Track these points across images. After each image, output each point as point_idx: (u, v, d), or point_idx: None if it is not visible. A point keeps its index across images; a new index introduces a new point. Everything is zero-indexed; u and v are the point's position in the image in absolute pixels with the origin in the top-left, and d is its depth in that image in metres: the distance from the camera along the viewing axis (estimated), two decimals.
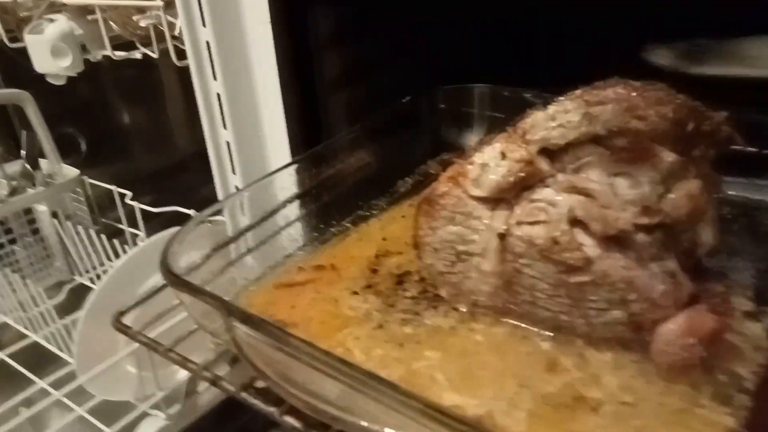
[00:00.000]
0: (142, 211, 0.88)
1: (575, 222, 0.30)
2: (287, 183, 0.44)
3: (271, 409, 0.32)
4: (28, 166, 0.86)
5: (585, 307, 0.30)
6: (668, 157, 0.30)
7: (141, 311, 0.42)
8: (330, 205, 0.45)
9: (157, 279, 0.66)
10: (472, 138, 0.53)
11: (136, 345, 0.61)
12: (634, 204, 0.30)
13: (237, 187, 0.54)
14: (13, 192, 0.88)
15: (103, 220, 0.99)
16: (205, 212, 0.39)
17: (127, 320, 0.40)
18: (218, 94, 0.51)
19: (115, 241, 0.91)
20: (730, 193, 0.41)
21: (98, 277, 0.92)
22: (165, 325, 0.42)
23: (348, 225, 0.45)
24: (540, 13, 0.62)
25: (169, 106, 1.12)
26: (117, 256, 0.90)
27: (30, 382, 0.74)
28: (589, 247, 0.29)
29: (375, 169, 0.49)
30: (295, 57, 0.50)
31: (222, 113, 0.52)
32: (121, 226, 0.93)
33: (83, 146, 1.12)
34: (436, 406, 0.21)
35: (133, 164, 1.17)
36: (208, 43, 0.49)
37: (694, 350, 0.28)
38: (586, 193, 0.30)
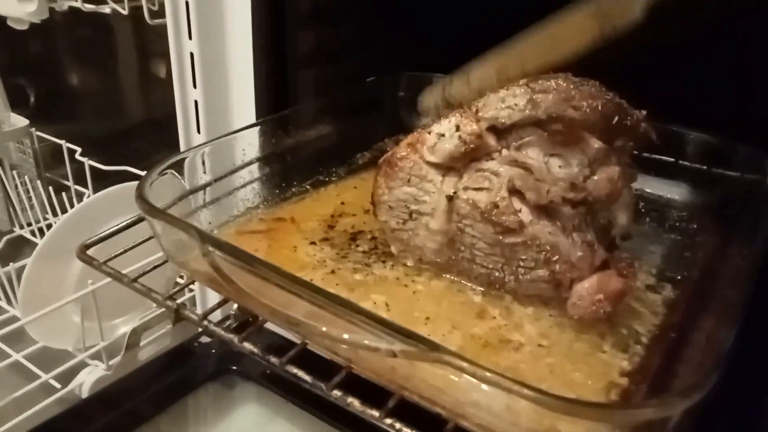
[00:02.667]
0: (92, 168, 0.88)
1: (513, 191, 0.34)
2: (251, 143, 0.47)
3: (231, 336, 0.35)
4: None
5: (515, 265, 0.35)
6: (595, 144, 0.35)
7: (102, 249, 0.43)
8: (291, 167, 0.48)
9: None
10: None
11: (81, 292, 0.63)
12: (563, 181, 0.35)
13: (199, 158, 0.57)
14: None
15: (49, 175, 0.97)
16: (172, 159, 0.41)
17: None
18: (191, 54, 0.53)
19: (62, 197, 0.90)
20: (646, 190, 0.48)
21: (40, 231, 0.91)
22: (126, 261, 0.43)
23: (308, 187, 0.48)
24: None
25: (124, 70, 1.11)
26: (63, 211, 0.90)
27: None
28: (524, 213, 0.34)
29: (336, 140, 0.53)
30: (271, 28, 0.53)
31: (193, 72, 0.54)
32: (67, 183, 0.92)
33: (32, 99, 1.10)
34: (364, 311, 0.26)
35: (84, 124, 1.15)
36: (187, 3, 0.51)
37: (601, 305, 0.33)
38: (525, 167, 0.35)
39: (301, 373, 0.33)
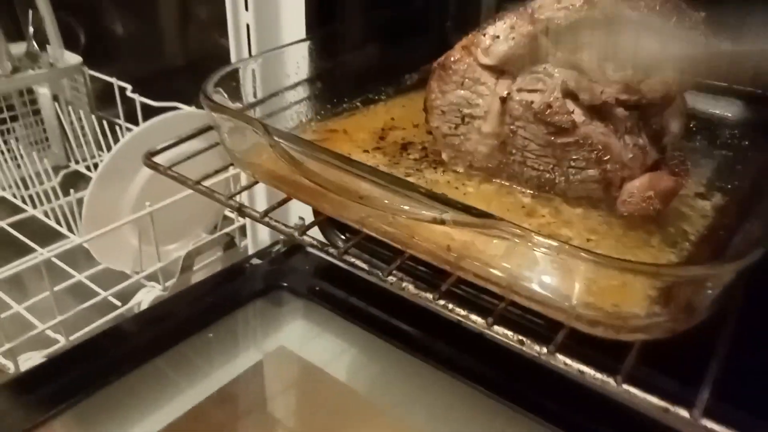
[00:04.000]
0: (142, 105, 0.91)
1: (567, 93, 0.35)
2: (303, 57, 0.48)
3: (290, 229, 0.37)
4: (35, 44, 0.87)
5: (566, 165, 0.36)
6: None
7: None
8: (341, 84, 0.49)
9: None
10: None
11: (139, 213, 0.66)
12: (617, 83, 0.35)
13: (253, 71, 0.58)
14: (16, 71, 0.89)
15: (100, 113, 1.00)
16: (230, 67, 0.42)
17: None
18: None
19: (111, 136, 0.93)
20: (698, 107, 0.47)
21: (95, 166, 0.95)
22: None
23: (358, 104, 0.49)
24: None
25: (165, 12, 1.12)
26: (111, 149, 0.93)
27: (31, 250, 0.78)
28: (576, 114, 0.35)
29: (384, 61, 0.54)
30: None
31: None
32: (118, 120, 0.96)
33: (82, 40, 1.13)
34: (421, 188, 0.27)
35: (131, 65, 1.17)
36: None
37: (652, 202, 0.33)
38: (579, 69, 0.35)
39: (358, 262, 0.35)
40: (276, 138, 0.32)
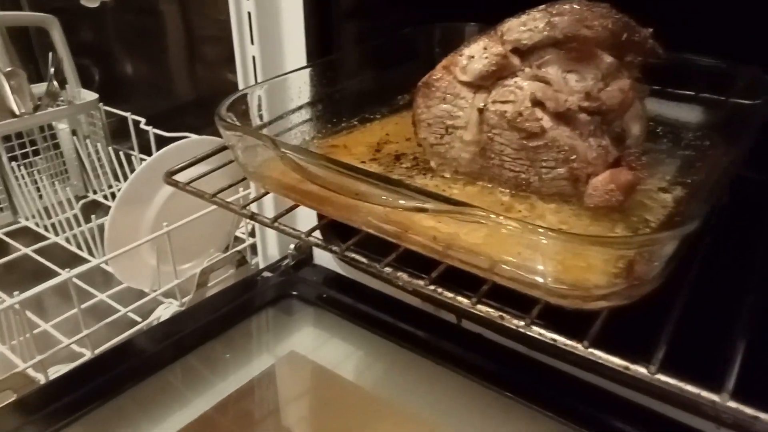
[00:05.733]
0: (155, 136, 0.97)
1: (536, 102, 0.40)
2: (305, 83, 0.53)
3: (297, 232, 0.42)
4: (56, 84, 0.94)
5: (538, 166, 0.40)
6: (607, 59, 0.41)
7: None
8: (340, 106, 0.55)
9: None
10: None
11: (157, 233, 0.71)
12: (579, 92, 0.40)
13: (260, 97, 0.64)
14: (37, 109, 0.95)
15: (115, 146, 1.07)
16: (241, 91, 0.48)
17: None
18: (249, 13, 0.60)
19: (127, 167, 0.99)
20: (663, 114, 0.52)
21: (111, 195, 1.01)
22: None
23: (355, 123, 0.54)
24: None
25: (175, 53, 1.20)
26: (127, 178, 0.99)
27: (54, 274, 0.83)
28: (545, 120, 0.40)
29: (378, 84, 0.59)
30: None
31: (251, 30, 0.61)
32: (132, 152, 1.01)
33: (97, 78, 1.20)
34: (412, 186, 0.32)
35: (142, 102, 1.24)
36: None
37: (613, 194, 0.38)
38: (545, 81, 0.40)
39: (357, 257, 0.40)
40: (283, 150, 0.37)
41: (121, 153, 0.96)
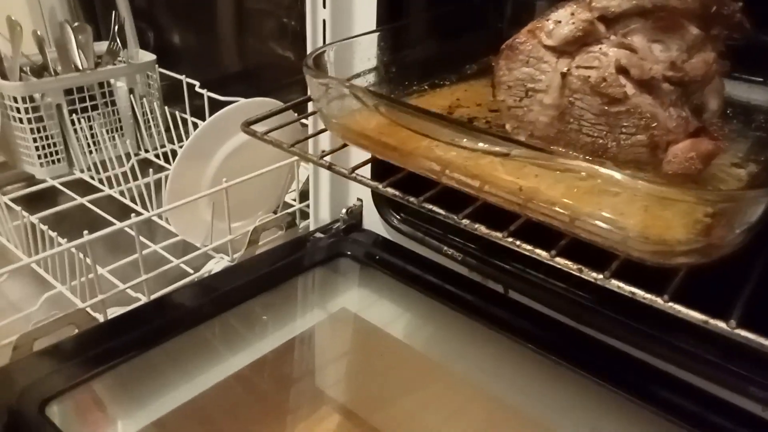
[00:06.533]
0: (210, 99, 0.99)
1: (620, 69, 0.41)
2: (378, 46, 0.55)
3: (375, 183, 0.43)
4: (118, 42, 0.96)
5: (618, 132, 0.41)
6: (693, 30, 0.41)
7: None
8: (411, 69, 0.56)
9: (241, 138, 0.77)
10: None
11: (216, 189, 0.73)
12: (664, 61, 0.41)
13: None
14: (98, 65, 0.98)
15: (168, 108, 1.09)
16: (319, 49, 0.49)
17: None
18: None
19: (180, 128, 1.01)
20: (734, 94, 0.53)
21: (164, 155, 1.03)
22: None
23: (426, 87, 0.55)
24: None
25: (223, 24, 1.22)
26: (179, 140, 1.02)
27: (109, 223, 0.85)
28: (628, 87, 0.40)
29: (447, 52, 0.60)
30: None
31: None
32: (185, 115, 1.04)
33: (152, 42, 1.22)
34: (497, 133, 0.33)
35: (189, 69, 1.25)
36: None
37: (693, 162, 0.39)
38: (630, 49, 0.41)
39: (435, 207, 0.41)
40: (377, 99, 0.38)
41: (176, 114, 0.99)
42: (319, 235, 0.72)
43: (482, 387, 0.57)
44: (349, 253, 0.68)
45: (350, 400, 0.55)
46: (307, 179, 0.79)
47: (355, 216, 0.74)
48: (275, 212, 0.87)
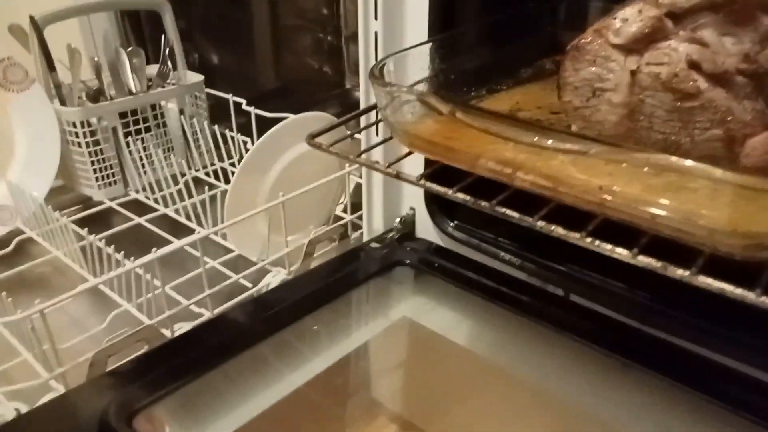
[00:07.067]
0: (257, 117, 1.01)
1: (692, 64, 0.40)
2: (432, 56, 0.55)
3: (445, 188, 0.43)
4: (169, 64, 0.99)
5: (692, 127, 0.41)
6: (766, 21, 0.40)
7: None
8: (468, 76, 0.56)
9: (301, 147, 0.78)
10: None
11: (273, 203, 0.74)
12: (737, 54, 0.40)
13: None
14: (149, 88, 1.01)
15: (215, 127, 1.11)
16: (382, 61, 0.50)
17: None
18: None
19: (229, 146, 1.04)
20: None
21: (214, 173, 1.06)
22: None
23: (483, 92, 0.56)
24: None
25: (260, 42, 1.25)
26: (229, 157, 1.04)
27: (163, 241, 0.88)
28: (701, 81, 0.40)
29: (502, 57, 0.60)
30: None
31: (376, 6, 0.63)
32: (232, 133, 1.06)
33: (197, 62, 1.26)
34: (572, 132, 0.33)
35: (230, 88, 1.28)
36: None
37: None
38: (701, 43, 0.40)
39: (509, 211, 0.41)
40: (452, 106, 0.39)
41: (224, 132, 1.01)
42: (374, 245, 0.73)
43: (547, 390, 0.56)
44: (407, 261, 0.69)
45: (407, 408, 0.55)
46: (354, 190, 0.80)
47: (408, 225, 0.75)
48: (328, 223, 0.88)
